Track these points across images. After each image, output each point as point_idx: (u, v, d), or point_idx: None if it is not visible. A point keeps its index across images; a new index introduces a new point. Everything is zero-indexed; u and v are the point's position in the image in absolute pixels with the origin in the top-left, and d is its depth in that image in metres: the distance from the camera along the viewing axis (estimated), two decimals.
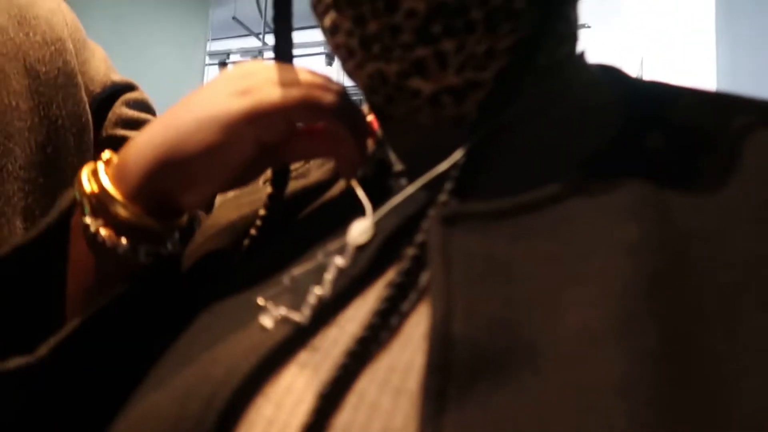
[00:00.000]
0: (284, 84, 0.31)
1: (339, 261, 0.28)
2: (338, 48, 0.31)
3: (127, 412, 0.27)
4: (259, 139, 0.31)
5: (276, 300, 0.27)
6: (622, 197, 0.25)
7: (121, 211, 0.31)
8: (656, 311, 0.21)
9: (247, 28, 7.41)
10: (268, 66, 0.32)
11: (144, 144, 0.31)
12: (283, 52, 0.34)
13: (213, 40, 4.08)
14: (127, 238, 0.31)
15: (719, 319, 0.21)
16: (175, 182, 0.31)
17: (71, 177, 0.40)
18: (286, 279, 0.28)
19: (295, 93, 0.30)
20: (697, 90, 0.32)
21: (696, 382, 0.20)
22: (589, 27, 2.50)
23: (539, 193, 0.27)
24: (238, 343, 0.26)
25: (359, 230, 0.28)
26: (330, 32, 0.31)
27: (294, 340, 0.26)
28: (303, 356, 0.25)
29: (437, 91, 0.29)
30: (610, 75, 0.34)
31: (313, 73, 0.32)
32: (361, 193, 0.31)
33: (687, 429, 0.19)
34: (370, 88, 0.32)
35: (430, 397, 0.21)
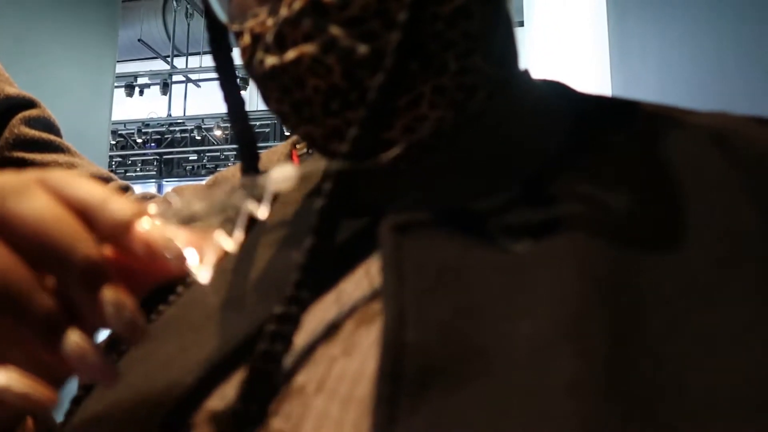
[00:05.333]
0: None
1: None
2: (275, 112, 0.32)
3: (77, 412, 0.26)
4: None
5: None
6: (568, 209, 0.26)
7: None
8: (603, 315, 0.22)
9: (154, 51, 7.17)
10: None
11: None
12: (225, 76, 0.33)
13: (118, 62, 3.91)
14: None
15: (661, 321, 0.22)
16: None
17: None
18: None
19: None
20: (643, 104, 0.33)
21: (642, 380, 0.20)
22: None
23: (488, 204, 0.28)
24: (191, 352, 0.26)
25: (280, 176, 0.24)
26: (265, 99, 0.31)
27: (242, 352, 0.25)
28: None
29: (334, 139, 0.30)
30: (556, 90, 0.35)
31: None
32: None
33: (636, 426, 0.19)
34: (308, 146, 0.33)
35: (381, 405, 0.21)
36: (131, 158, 7.07)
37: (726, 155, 0.28)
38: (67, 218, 0.20)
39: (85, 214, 0.21)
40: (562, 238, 0.25)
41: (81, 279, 0.20)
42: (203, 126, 6.66)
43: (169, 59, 6.72)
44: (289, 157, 0.72)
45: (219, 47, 0.34)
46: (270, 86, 0.29)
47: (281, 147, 0.75)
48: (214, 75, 0.35)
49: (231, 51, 0.34)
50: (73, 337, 0.20)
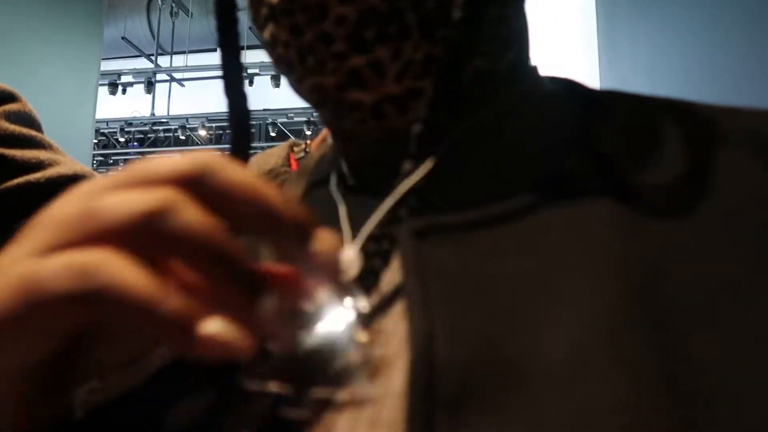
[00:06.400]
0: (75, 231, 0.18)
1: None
2: (279, 63, 0.29)
3: None
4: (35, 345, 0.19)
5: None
6: (594, 209, 0.25)
7: None
8: (641, 320, 0.21)
9: (138, 49, 7.09)
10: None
11: None
12: (232, 72, 0.30)
13: (102, 60, 3.86)
14: None
15: (700, 326, 0.21)
16: None
17: None
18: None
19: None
20: (660, 98, 0.31)
21: (687, 394, 0.19)
22: None
23: (509, 205, 0.26)
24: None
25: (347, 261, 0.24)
26: (270, 46, 0.29)
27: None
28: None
29: (378, 101, 0.27)
30: (566, 86, 0.33)
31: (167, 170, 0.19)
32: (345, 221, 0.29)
33: None
34: (315, 102, 0.29)
35: (416, 427, 0.19)
36: (113, 157, 6.99)
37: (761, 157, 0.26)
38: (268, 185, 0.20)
39: None
40: (591, 238, 0.24)
41: (292, 236, 0.19)
42: (187, 126, 6.58)
43: (153, 57, 6.66)
44: (287, 159, 0.71)
45: (226, 28, 0.31)
46: (278, 29, 0.27)
47: (277, 150, 0.73)
48: (199, 74, 0.33)
49: (238, 39, 0.31)
50: (271, 300, 0.19)
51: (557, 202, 0.25)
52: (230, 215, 0.19)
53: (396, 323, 0.24)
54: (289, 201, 0.20)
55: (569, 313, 0.21)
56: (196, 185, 0.18)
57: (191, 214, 0.18)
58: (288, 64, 0.28)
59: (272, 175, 0.67)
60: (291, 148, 0.72)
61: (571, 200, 0.25)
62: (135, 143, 6.94)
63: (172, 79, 6.79)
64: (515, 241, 0.24)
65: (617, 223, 0.24)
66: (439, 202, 0.27)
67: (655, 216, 0.24)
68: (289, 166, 0.70)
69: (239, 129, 0.31)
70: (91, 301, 0.17)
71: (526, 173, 0.28)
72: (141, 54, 6.75)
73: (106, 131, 6.74)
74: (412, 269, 0.24)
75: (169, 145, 6.90)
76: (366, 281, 0.24)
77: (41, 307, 0.17)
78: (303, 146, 0.71)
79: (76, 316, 0.18)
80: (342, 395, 0.21)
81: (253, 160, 0.69)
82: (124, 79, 6.33)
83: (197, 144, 6.86)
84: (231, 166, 0.19)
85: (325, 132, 0.70)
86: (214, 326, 0.18)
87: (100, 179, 0.20)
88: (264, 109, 6.07)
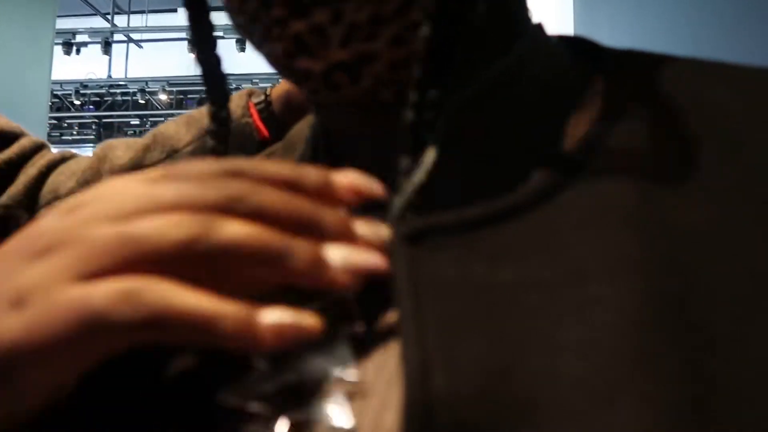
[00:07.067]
0: (115, 259, 0.19)
1: None
2: (238, 29, 0.27)
3: None
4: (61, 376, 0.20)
5: None
6: (613, 198, 0.22)
7: None
8: (670, 347, 0.18)
9: (93, 8, 6.78)
10: (92, 217, 0.20)
11: None
12: (203, 33, 0.28)
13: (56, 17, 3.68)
14: None
15: (730, 347, 0.18)
16: None
17: None
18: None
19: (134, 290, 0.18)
20: (691, 59, 0.27)
21: (720, 421, 0.17)
22: None
23: (515, 197, 0.23)
24: None
25: None
26: (227, 11, 0.27)
27: None
28: None
29: (327, 69, 0.25)
30: (578, 47, 0.29)
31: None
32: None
33: None
34: (278, 70, 0.27)
35: None
36: (68, 121, 6.74)
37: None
38: (295, 197, 0.21)
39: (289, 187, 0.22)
40: (609, 237, 0.21)
41: (332, 235, 0.21)
42: (147, 89, 6.37)
43: (109, 17, 6.38)
44: (247, 109, 0.65)
45: None
46: None
47: (234, 98, 0.67)
48: (159, 36, 0.29)
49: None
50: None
51: (570, 192, 0.22)
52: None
53: (387, 349, 0.21)
54: (330, 198, 0.22)
55: (587, 334, 0.19)
56: (231, 211, 0.20)
57: (231, 232, 0.19)
58: (244, 31, 0.26)
59: (234, 124, 0.62)
60: (249, 96, 0.66)
61: (586, 188, 0.22)
62: (91, 106, 6.70)
63: (130, 40, 6.53)
64: (524, 242, 0.22)
65: (639, 218, 0.21)
66: (434, 198, 0.23)
67: (679, 206, 0.21)
68: (251, 116, 0.65)
69: (217, 94, 0.30)
70: (153, 328, 0.18)
71: (533, 158, 0.24)
72: (96, 12, 6.46)
73: (60, 93, 6.47)
74: (405, 284, 0.21)
75: (127, 109, 6.69)
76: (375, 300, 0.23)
77: (103, 333, 0.18)
78: (263, 96, 0.66)
79: (134, 341, 0.19)
80: (320, 422, 0.20)
81: (204, 110, 0.65)
82: (80, 38, 6.06)
83: (157, 108, 6.66)
84: (266, 188, 0.21)
85: (285, 84, 0.65)
86: (274, 316, 0.19)
87: (121, 190, 0.21)
88: (227, 74, 5.90)
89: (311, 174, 0.22)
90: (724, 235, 0.21)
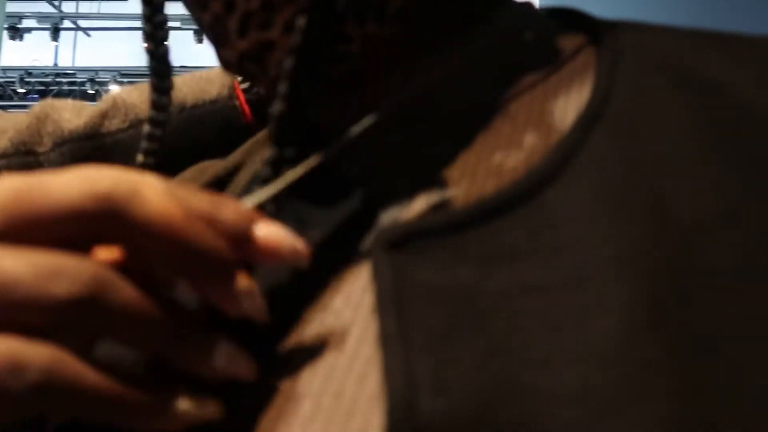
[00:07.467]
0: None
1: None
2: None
3: None
4: None
5: None
6: (610, 188, 0.20)
7: None
8: (673, 354, 0.17)
9: None
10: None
11: None
12: (156, 23, 0.27)
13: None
14: None
15: (735, 346, 0.18)
16: None
17: None
18: None
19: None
20: (691, 30, 0.26)
21: (725, 430, 0.16)
22: None
23: (502, 192, 0.21)
24: None
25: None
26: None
27: None
28: None
29: (238, 59, 0.25)
30: (568, 18, 0.27)
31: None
32: None
33: None
34: None
35: None
36: (10, 110, 6.42)
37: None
38: (194, 220, 0.18)
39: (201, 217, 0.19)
40: (608, 234, 0.19)
41: (214, 276, 0.18)
42: (97, 79, 6.15)
43: (56, 2, 6.13)
44: (233, 90, 0.61)
45: None
46: None
47: (217, 76, 0.60)
48: (110, 24, 0.29)
49: None
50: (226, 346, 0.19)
51: (563, 180, 0.21)
52: (148, 251, 0.18)
53: (368, 363, 0.19)
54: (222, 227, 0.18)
55: (587, 346, 0.18)
56: (104, 225, 0.17)
57: (118, 298, 0.17)
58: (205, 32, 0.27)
59: (218, 105, 0.58)
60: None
61: (577, 180, 0.21)
62: (35, 95, 6.42)
63: (78, 28, 6.29)
64: (517, 241, 0.20)
65: (637, 208, 0.20)
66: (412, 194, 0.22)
67: (685, 191, 0.20)
68: (237, 98, 0.60)
69: (163, 84, 0.28)
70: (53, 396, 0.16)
71: (514, 142, 0.23)
72: None
73: (2, 80, 6.17)
74: (388, 296, 0.19)
75: (74, 99, 6.42)
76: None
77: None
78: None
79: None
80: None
81: (182, 82, 0.59)
82: (26, 23, 5.80)
83: None
84: (148, 198, 0.17)
85: None
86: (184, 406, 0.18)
87: None
88: (181, 66, 5.77)
89: (229, 215, 0.19)
90: (727, 227, 0.19)
